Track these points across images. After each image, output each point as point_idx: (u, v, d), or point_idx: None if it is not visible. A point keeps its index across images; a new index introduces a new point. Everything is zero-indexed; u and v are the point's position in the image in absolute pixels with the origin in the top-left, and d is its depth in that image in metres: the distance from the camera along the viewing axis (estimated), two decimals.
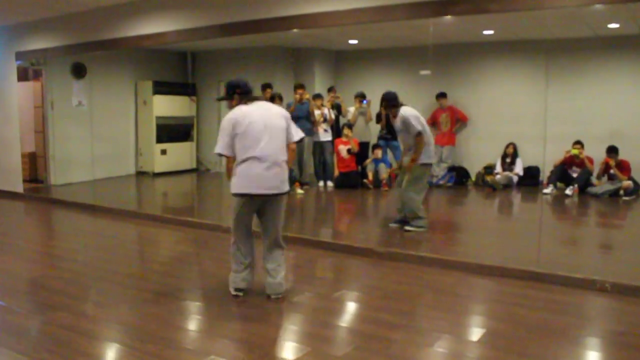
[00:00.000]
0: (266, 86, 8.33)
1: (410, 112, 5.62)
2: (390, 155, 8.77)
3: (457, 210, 7.75)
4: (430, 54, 6.12)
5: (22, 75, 9.46)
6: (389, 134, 8.77)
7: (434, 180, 8.69)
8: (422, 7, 4.89)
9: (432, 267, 4.69)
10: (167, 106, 10.54)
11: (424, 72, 5.85)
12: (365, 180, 8.76)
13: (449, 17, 5.17)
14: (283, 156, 3.80)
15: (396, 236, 5.57)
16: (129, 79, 10.51)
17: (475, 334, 3.39)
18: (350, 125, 8.88)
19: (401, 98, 5.78)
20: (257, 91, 8.87)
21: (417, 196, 5.66)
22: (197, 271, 4.88)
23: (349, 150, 8.73)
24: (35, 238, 6.48)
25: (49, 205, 8.04)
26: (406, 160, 5.72)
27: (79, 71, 9.34)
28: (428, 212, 5.96)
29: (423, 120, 5.71)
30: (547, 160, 8.27)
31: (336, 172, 8.83)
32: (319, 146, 8.82)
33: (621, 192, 7.79)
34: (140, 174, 10.61)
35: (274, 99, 7.86)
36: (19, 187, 8.77)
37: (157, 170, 10.43)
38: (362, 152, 8.94)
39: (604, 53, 8.41)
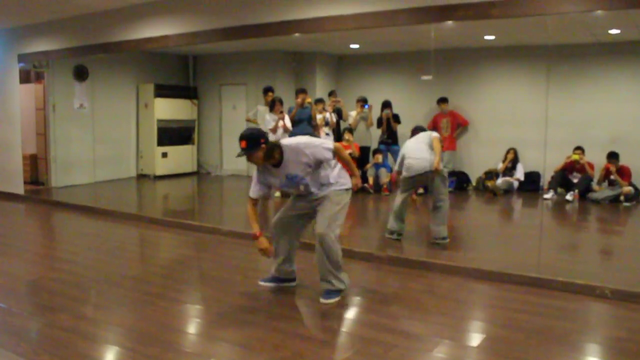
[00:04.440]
0: (267, 90, 8.34)
1: None
2: (390, 159, 8.78)
3: (457, 215, 7.73)
4: (432, 59, 6.13)
5: (24, 78, 9.47)
6: (389, 139, 8.80)
7: None
8: (424, 12, 4.90)
9: (432, 272, 4.69)
10: (169, 109, 10.56)
11: (425, 77, 5.85)
12: (365, 185, 8.76)
13: (450, 22, 5.18)
14: None
15: (396, 241, 5.56)
16: (130, 81, 10.54)
17: (475, 339, 3.39)
18: (351, 130, 8.88)
19: (402, 103, 5.79)
20: (258, 94, 8.96)
21: None
22: (197, 274, 4.88)
23: (349, 155, 8.73)
24: (35, 240, 6.48)
25: (50, 207, 8.04)
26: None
27: (81, 74, 9.36)
28: (428, 218, 5.93)
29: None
30: (547, 166, 8.28)
31: None
32: None
33: (621, 197, 7.79)
34: (141, 176, 10.62)
35: (275, 103, 7.88)
36: (19, 189, 8.78)
37: (158, 173, 10.44)
38: (362, 156, 8.94)
39: (605, 59, 8.41)
